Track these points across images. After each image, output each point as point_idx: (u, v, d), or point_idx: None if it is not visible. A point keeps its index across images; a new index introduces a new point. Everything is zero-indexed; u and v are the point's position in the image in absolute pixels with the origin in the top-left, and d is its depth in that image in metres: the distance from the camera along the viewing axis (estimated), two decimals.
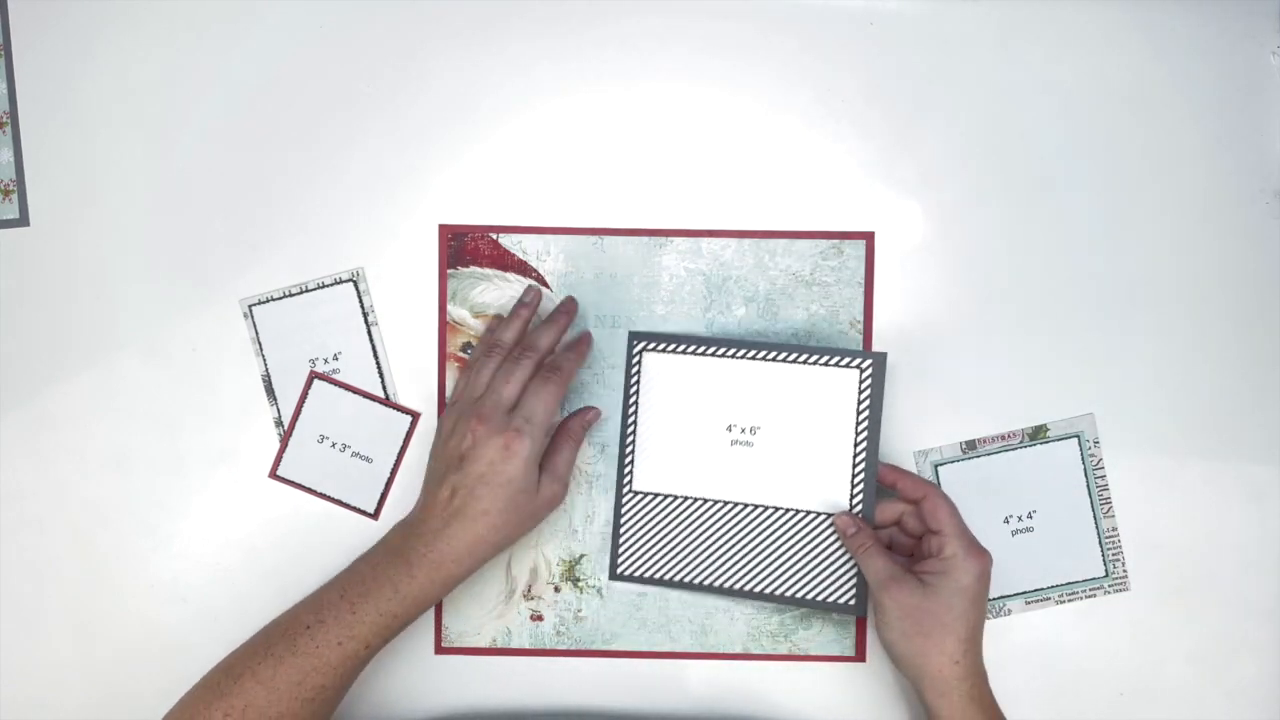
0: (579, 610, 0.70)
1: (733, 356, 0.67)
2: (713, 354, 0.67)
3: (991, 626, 0.68)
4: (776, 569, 0.67)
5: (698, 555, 0.68)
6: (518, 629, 0.70)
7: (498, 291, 0.69)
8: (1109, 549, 0.68)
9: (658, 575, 0.68)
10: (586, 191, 0.69)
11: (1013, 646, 0.69)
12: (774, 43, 0.68)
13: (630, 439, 0.68)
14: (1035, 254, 0.69)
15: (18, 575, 0.69)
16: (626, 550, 0.69)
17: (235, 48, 0.68)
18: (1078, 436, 0.68)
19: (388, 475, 0.69)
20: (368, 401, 0.69)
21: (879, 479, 0.65)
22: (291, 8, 0.68)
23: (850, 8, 0.68)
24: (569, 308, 0.67)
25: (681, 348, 0.67)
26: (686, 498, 0.68)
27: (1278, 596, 0.69)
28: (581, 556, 0.69)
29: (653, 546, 0.68)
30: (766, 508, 0.67)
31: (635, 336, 0.68)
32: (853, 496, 0.66)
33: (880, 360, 0.65)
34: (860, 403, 0.66)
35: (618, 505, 0.69)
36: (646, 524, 0.68)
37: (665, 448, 0.68)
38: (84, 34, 0.68)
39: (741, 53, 0.68)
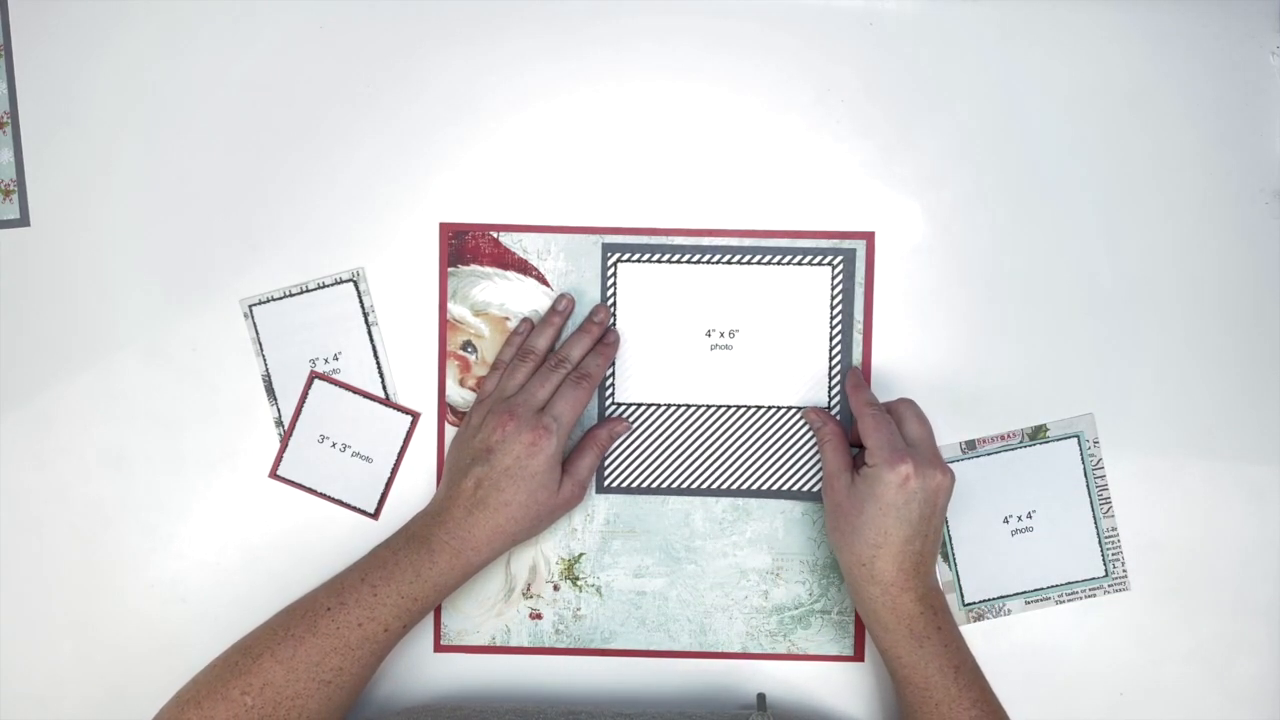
0: (578, 609, 0.70)
1: (708, 262, 0.68)
2: (688, 261, 0.68)
3: (991, 626, 0.69)
4: (761, 466, 0.69)
5: (684, 460, 0.69)
6: (517, 627, 0.70)
7: (498, 290, 0.69)
8: (1109, 549, 0.68)
9: (645, 484, 0.69)
10: (587, 190, 0.69)
11: (1013, 646, 0.69)
12: (774, 42, 0.68)
13: None
14: (1035, 254, 0.69)
15: (18, 575, 0.69)
16: (613, 462, 0.69)
17: (235, 48, 0.68)
18: (1077, 436, 0.68)
19: (388, 475, 0.69)
20: (368, 401, 0.69)
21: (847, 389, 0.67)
22: (291, 8, 0.68)
23: (850, 7, 0.68)
24: (600, 318, 0.68)
25: (657, 257, 0.68)
26: (669, 405, 0.69)
27: (1278, 596, 0.69)
28: (580, 555, 0.69)
29: (638, 456, 0.69)
30: (749, 407, 0.69)
31: (609, 248, 0.68)
32: (831, 389, 0.68)
33: (850, 256, 0.67)
34: (834, 299, 0.68)
35: (600, 417, 0.69)
36: (631, 434, 0.69)
37: (645, 357, 0.69)
38: (84, 34, 0.68)
39: (741, 52, 0.68)
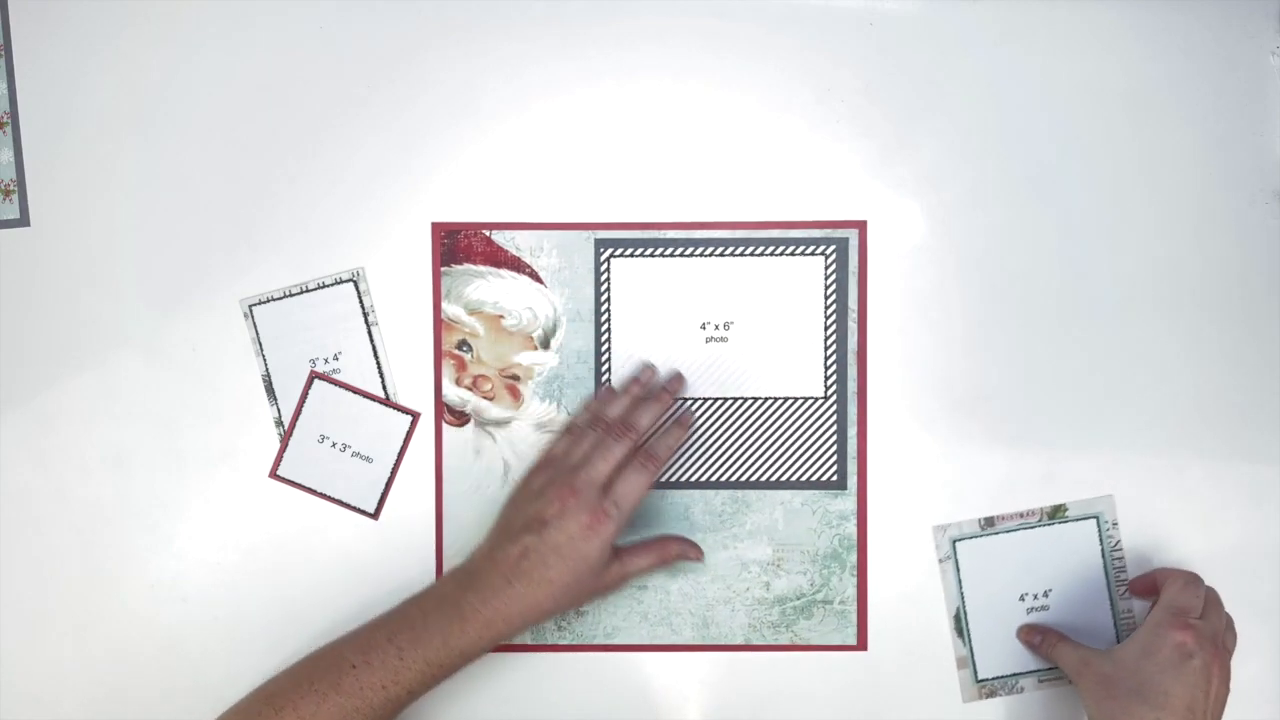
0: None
1: (701, 255, 0.68)
2: (681, 254, 0.68)
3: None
4: (759, 457, 0.69)
5: (682, 454, 0.69)
6: None
7: (492, 289, 0.69)
8: (1123, 630, 0.68)
9: None
10: (580, 188, 0.69)
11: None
12: (774, 42, 0.68)
13: (605, 346, 0.69)
14: (1035, 253, 0.69)
15: (18, 575, 0.69)
16: None
17: (235, 49, 0.68)
18: (1096, 518, 0.68)
19: (388, 475, 0.69)
20: (368, 401, 0.69)
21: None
22: (291, 9, 0.68)
23: (850, 8, 0.68)
24: (674, 387, 0.68)
25: (649, 251, 0.68)
26: None
27: (1278, 596, 0.69)
28: None
29: None
30: (745, 399, 0.69)
31: (602, 244, 0.68)
32: (827, 379, 0.68)
33: (843, 245, 0.67)
34: (827, 288, 0.68)
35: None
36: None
37: (641, 352, 0.69)
38: (84, 34, 0.68)
39: (741, 52, 0.68)
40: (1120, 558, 0.68)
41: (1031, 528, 0.68)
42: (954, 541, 0.68)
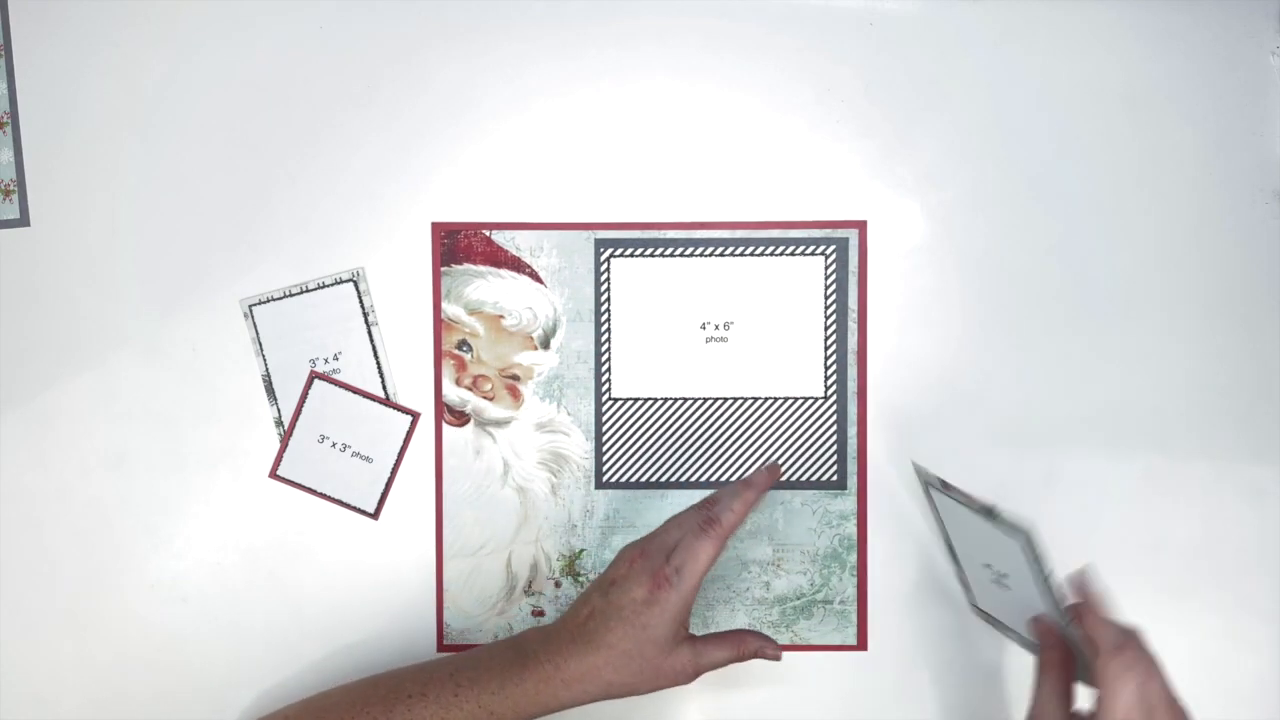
0: None
1: (701, 255, 0.68)
2: (681, 254, 0.68)
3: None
4: (759, 458, 0.69)
5: (682, 454, 0.69)
6: (519, 624, 0.70)
7: (492, 289, 0.69)
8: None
9: (643, 479, 0.69)
10: (580, 187, 0.69)
11: (1013, 646, 0.69)
12: (774, 42, 0.68)
13: (605, 346, 0.69)
14: (1034, 253, 0.69)
15: (18, 575, 0.69)
16: (610, 458, 0.69)
17: (235, 48, 0.68)
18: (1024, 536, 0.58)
19: (388, 475, 0.69)
20: (368, 401, 0.69)
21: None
22: (291, 8, 0.68)
23: (850, 8, 0.68)
24: (760, 481, 0.63)
25: (649, 251, 0.68)
26: (666, 399, 0.69)
27: (1278, 596, 0.69)
28: (581, 551, 0.70)
29: (636, 451, 0.69)
30: (745, 399, 0.69)
31: (602, 244, 0.69)
32: (827, 379, 0.68)
33: (843, 245, 0.67)
34: (828, 287, 0.68)
35: (598, 414, 0.69)
36: (628, 430, 0.69)
37: (641, 352, 0.69)
38: (84, 34, 0.68)
39: (741, 52, 0.68)
40: (1053, 583, 0.58)
41: (974, 511, 0.60)
42: (926, 486, 0.64)
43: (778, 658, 0.63)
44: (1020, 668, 0.69)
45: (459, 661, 0.61)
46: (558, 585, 0.70)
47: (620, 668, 0.59)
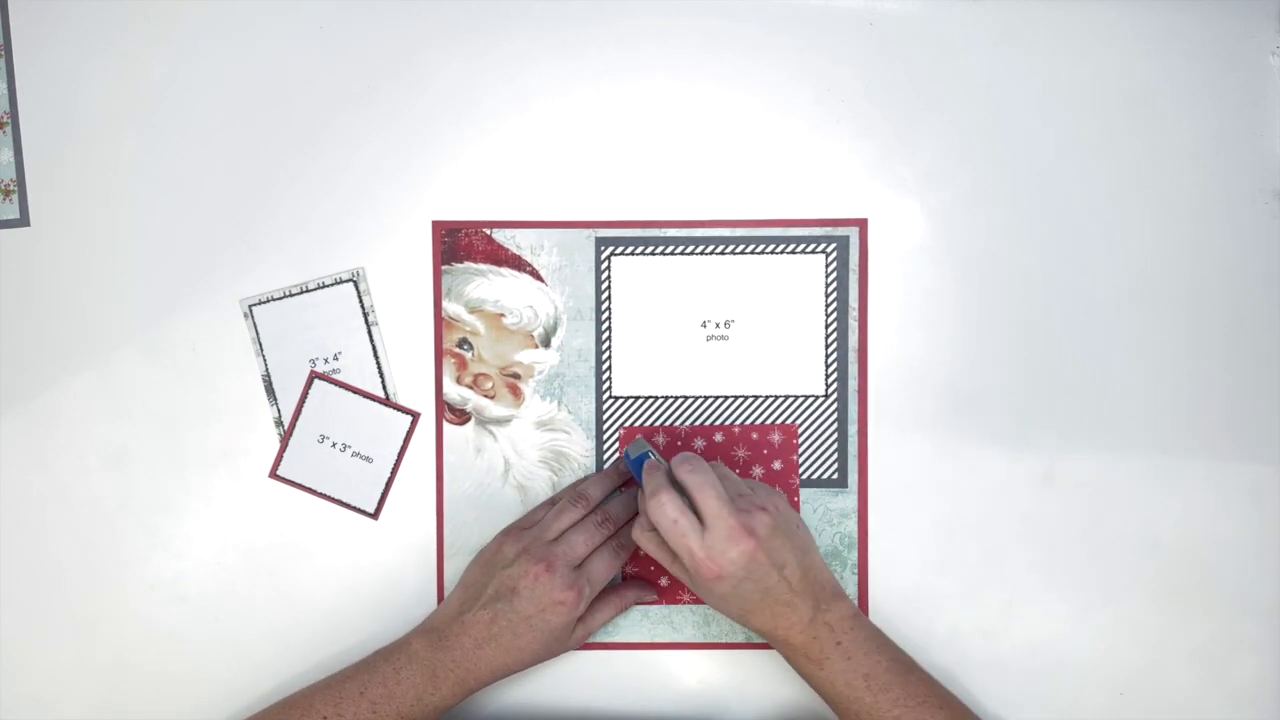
0: None
1: (701, 253, 0.68)
2: (681, 253, 0.68)
3: (993, 625, 0.69)
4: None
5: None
6: None
7: (492, 287, 0.69)
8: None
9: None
10: (580, 186, 0.69)
11: (1013, 646, 0.69)
12: (774, 42, 0.68)
13: (606, 345, 0.69)
14: (1034, 252, 0.69)
15: (18, 575, 0.69)
16: (611, 457, 0.69)
17: (235, 48, 0.68)
18: None
19: (388, 475, 0.69)
20: (368, 401, 0.69)
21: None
22: (291, 8, 0.68)
23: (850, 8, 0.68)
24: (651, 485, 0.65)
25: (650, 249, 0.68)
26: (666, 397, 0.69)
27: (1278, 596, 0.69)
28: None
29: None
30: (745, 398, 0.69)
31: (603, 242, 0.68)
32: (827, 378, 0.68)
33: (843, 243, 0.67)
34: (828, 286, 0.68)
35: (599, 412, 0.69)
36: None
37: (641, 350, 0.69)
38: (84, 34, 0.68)
39: (741, 52, 0.68)
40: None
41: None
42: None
43: (657, 600, 0.69)
44: (1020, 667, 0.69)
45: (365, 679, 0.62)
46: None
47: (527, 661, 0.63)
